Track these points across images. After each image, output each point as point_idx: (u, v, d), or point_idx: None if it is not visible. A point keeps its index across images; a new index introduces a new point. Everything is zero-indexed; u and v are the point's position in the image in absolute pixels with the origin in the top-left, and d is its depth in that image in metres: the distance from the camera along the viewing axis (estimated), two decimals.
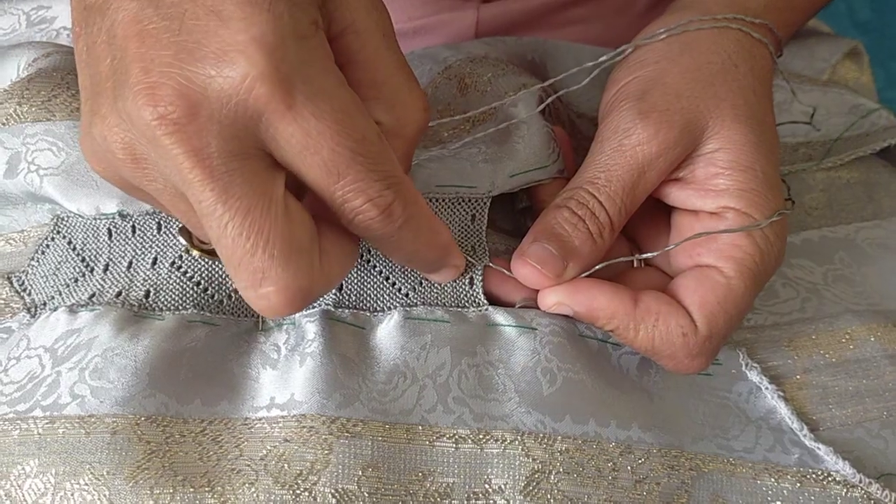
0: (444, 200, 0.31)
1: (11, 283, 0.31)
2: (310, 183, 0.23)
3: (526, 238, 0.30)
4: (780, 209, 0.30)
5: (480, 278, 0.30)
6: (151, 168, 0.23)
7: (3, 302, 0.31)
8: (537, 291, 0.30)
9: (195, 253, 0.27)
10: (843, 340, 0.34)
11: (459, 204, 0.32)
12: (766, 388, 0.31)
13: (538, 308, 0.30)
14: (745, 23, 0.33)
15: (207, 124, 0.21)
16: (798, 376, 0.33)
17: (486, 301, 0.30)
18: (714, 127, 0.30)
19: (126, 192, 0.25)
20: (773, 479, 0.29)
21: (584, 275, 0.30)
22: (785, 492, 0.29)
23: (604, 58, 0.34)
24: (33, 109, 0.31)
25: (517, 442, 0.27)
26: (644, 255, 0.32)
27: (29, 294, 0.31)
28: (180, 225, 0.27)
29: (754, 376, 0.32)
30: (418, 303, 0.30)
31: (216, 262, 0.30)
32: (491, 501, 0.27)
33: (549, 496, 0.27)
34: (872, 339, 0.34)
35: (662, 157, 0.30)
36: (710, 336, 0.29)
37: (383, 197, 0.23)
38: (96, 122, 0.23)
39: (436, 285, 0.30)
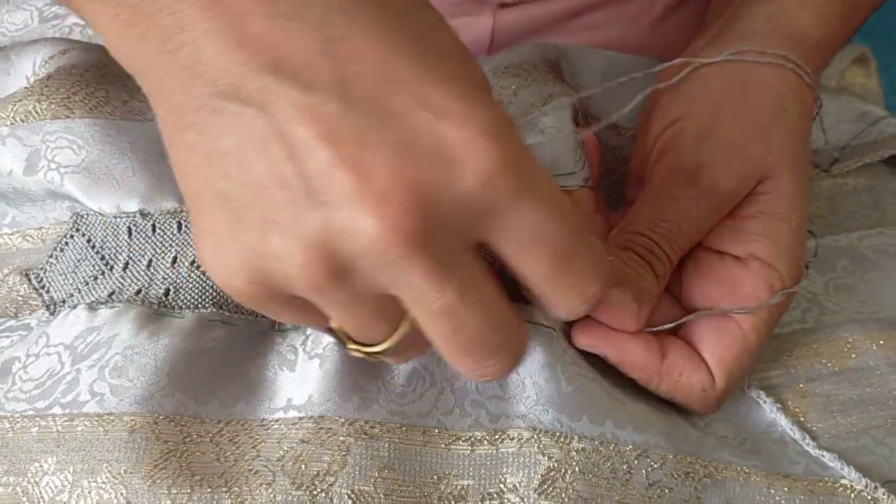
0: None
1: (30, 279, 0.31)
2: (530, 272, 0.22)
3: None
4: (801, 264, 0.31)
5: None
6: (349, 280, 0.20)
7: (21, 299, 0.31)
8: None
9: (355, 352, 0.25)
10: (845, 349, 0.34)
11: None
12: (764, 402, 0.32)
13: None
14: (797, 65, 0.33)
15: (440, 227, 0.19)
16: (801, 385, 0.33)
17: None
18: (768, 176, 0.31)
19: (259, 308, 0.22)
20: (785, 489, 0.30)
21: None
22: (797, 501, 0.30)
23: (637, 74, 0.33)
24: (52, 106, 0.31)
25: (533, 440, 0.28)
26: (679, 322, 0.31)
27: (47, 291, 0.31)
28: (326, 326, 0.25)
29: (752, 392, 0.32)
30: None
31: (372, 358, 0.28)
32: (505, 500, 0.27)
33: (563, 495, 0.27)
34: (874, 347, 0.34)
35: (724, 203, 0.30)
36: (726, 390, 0.30)
37: (594, 287, 0.22)
38: (272, 236, 0.20)
39: None
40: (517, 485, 0.27)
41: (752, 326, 0.30)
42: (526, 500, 0.27)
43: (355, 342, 0.24)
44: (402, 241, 0.19)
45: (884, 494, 0.30)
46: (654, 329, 0.30)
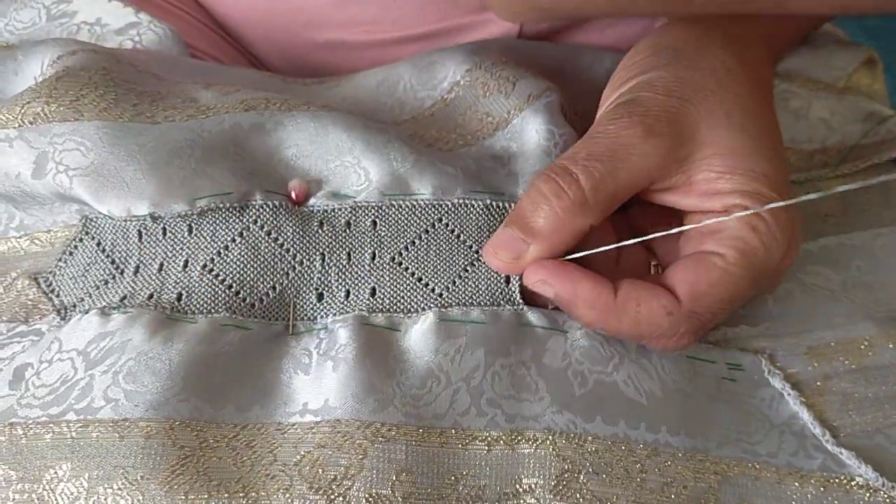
0: (475, 206, 0.32)
1: (39, 283, 0.31)
2: None
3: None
4: (788, 210, 0.30)
5: (518, 277, 0.31)
6: None
7: (31, 303, 0.31)
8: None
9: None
10: (862, 347, 0.34)
11: (492, 208, 0.32)
12: (789, 395, 0.32)
13: None
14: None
15: None
16: (818, 383, 0.33)
17: (521, 300, 0.30)
18: (707, 133, 0.30)
19: None
20: (797, 484, 0.30)
21: (570, 257, 0.30)
22: (809, 496, 0.30)
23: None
24: (61, 109, 0.31)
25: (548, 441, 0.27)
26: (631, 242, 0.30)
27: (57, 295, 0.31)
28: None
29: (777, 383, 0.32)
30: (453, 303, 0.30)
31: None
32: (521, 501, 0.27)
33: (578, 496, 0.27)
34: (891, 345, 0.34)
35: (649, 143, 0.29)
36: (693, 311, 0.29)
37: None
38: None
39: (471, 283, 0.30)
40: (533, 486, 0.27)
41: (736, 260, 0.29)
42: (542, 500, 0.27)
43: None
44: None
45: None
46: (580, 255, 0.29)
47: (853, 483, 0.30)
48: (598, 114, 0.33)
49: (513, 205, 0.32)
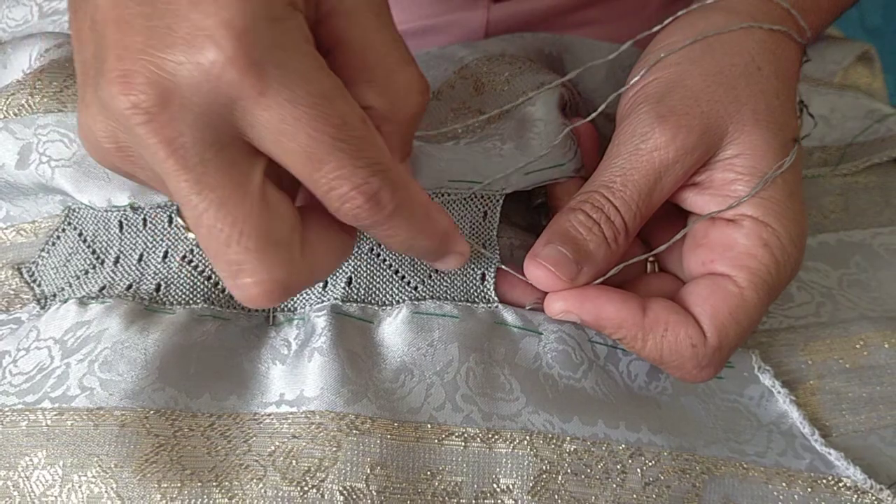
0: (455, 196, 0.31)
1: (21, 273, 0.31)
2: (292, 171, 0.22)
3: (540, 240, 0.29)
4: (799, 220, 0.30)
5: (493, 275, 0.30)
6: (136, 156, 0.23)
7: (13, 292, 0.31)
8: (546, 295, 0.30)
9: (191, 235, 0.26)
10: (858, 346, 0.33)
11: (471, 200, 0.31)
12: (779, 392, 0.31)
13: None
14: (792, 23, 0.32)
15: (180, 113, 0.20)
16: (811, 381, 0.32)
17: (496, 298, 0.30)
18: (734, 132, 0.30)
19: (126, 178, 0.25)
20: (784, 484, 0.29)
21: (597, 281, 0.29)
22: (796, 497, 0.29)
23: (626, 44, 0.33)
24: (45, 100, 0.31)
25: (526, 442, 0.27)
26: (654, 252, 0.31)
27: (39, 285, 0.31)
28: (176, 206, 0.26)
29: (766, 380, 0.31)
30: (427, 296, 0.30)
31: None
32: (499, 501, 0.27)
33: (556, 497, 0.27)
34: (887, 345, 0.33)
35: (680, 162, 0.29)
36: (719, 347, 0.28)
37: (369, 184, 0.22)
38: (82, 110, 0.23)
39: (446, 279, 0.30)
40: (511, 486, 0.27)
41: (750, 284, 0.28)
42: (520, 501, 0.27)
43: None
44: (140, 120, 0.20)
45: (889, 496, 0.29)
46: (607, 276, 0.29)
47: (841, 484, 0.30)
48: (621, 107, 0.32)
49: (500, 196, 0.31)
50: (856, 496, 0.29)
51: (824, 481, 0.30)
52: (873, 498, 0.29)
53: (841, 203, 0.40)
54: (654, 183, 0.29)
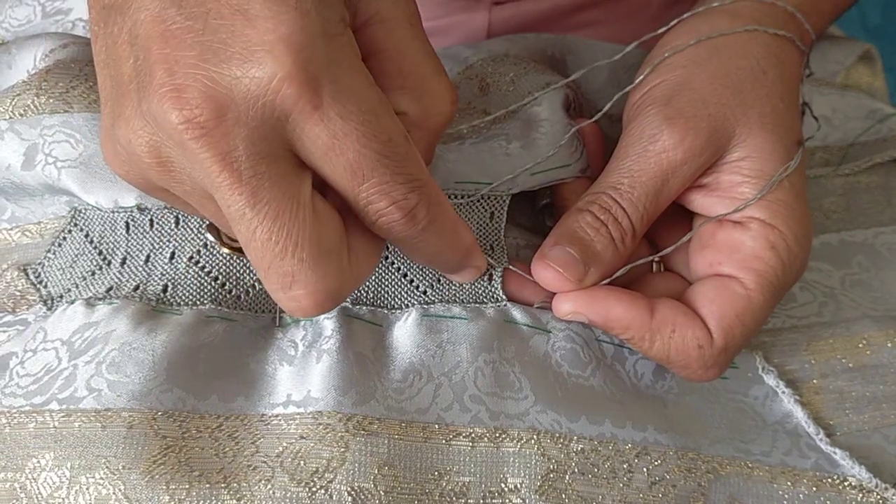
0: (462, 197, 0.31)
1: (27, 274, 0.31)
2: (334, 184, 0.22)
3: (547, 240, 0.30)
4: (805, 222, 0.30)
5: (500, 274, 0.30)
6: (179, 170, 0.22)
7: (19, 293, 0.31)
8: (554, 294, 0.30)
9: (224, 251, 0.27)
10: (861, 345, 0.33)
11: (478, 201, 0.31)
12: (783, 393, 0.31)
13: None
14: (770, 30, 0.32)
15: (234, 127, 0.20)
16: (815, 380, 0.32)
17: (504, 297, 0.30)
18: (741, 135, 0.30)
19: (149, 195, 0.25)
20: (789, 483, 0.29)
21: (604, 281, 0.30)
22: (801, 496, 0.29)
23: (632, 45, 0.33)
24: (51, 101, 0.31)
25: (533, 441, 0.27)
26: (661, 253, 0.31)
27: (45, 286, 0.31)
28: (208, 222, 0.27)
29: (771, 380, 0.32)
30: (436, 300, 0.30)
31: (242, 260, 0.30)
32: (507, 500, 0.27)
33: (563, 496, 0.27)
34: (889, 344, 0.33)
35: (687, 164, 0.29)
36: (725, 348, 0.28)
37: (408, 200, 0.23)
38: (120, 124, 0.22)
39: (454, 283, 0.30)
40: (518, 486, 0.27)
41: (757, 286, 0.29)
42: (527, 501, 0.27)
43: (226, 240, 0.26)
44: (194, 135, 0.20)
45: (894, 495, 0.30)
46: (613, 277, 0.29)
47: (846, 483, 0.30)
48: (628, 108, 0.32)
49: (507, 197, 0.31)
50: (861, 495, 0.29)
51: (829, 480, 0.30)
52: (878, 497, 0.29)
53: (843, 203, 0.40)
54: (662, 185, 0.29)
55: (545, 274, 0.29)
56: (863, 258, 0.38)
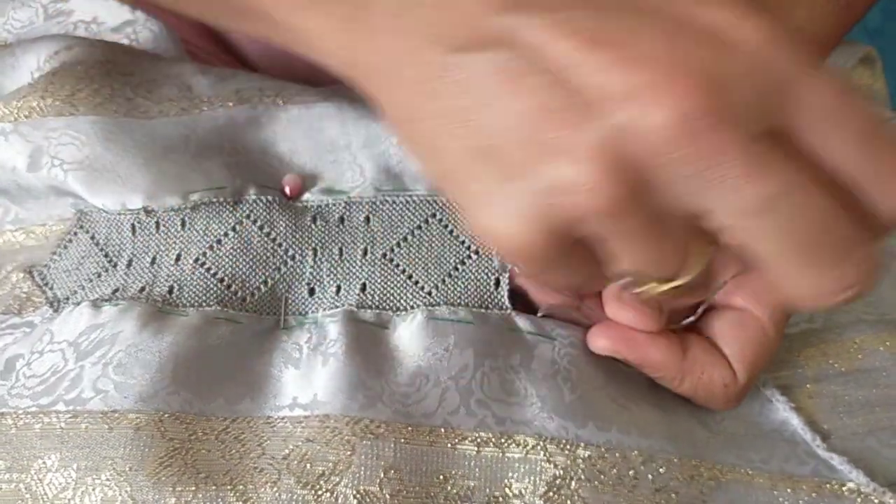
0: None
1: (33, 276, 0.31)
2: (836, 160, 0.19)
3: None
4: None
5: (507, 281, 0.30)
6: (647, 195, 0.19)
7: (24, 295, 0.31)
8: (559, 300, 0.30)
9: (652, 291, 0.24)
10: (852, 350, 0.34)
11: None
12: (778, 401, 0.32)
13: (559, 318, 0.30)
14: None
15: (735, 109, 0.18)
16: (808, 385, 0.33)
17: (509, 304, 0.30)
18: None
19: (547, 266, 0.21)
20: (789, 490, 0.30)
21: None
22: (801, 502, 0.29)
23: None
24: (56, 103, 0.31)
25: (539, 447, 0.27)
26: (711, 295, 0.30)
27: (51, 288, 0.31)
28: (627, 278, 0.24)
29: (766, 391, 0.32)
30: (441, 301, 0.30)
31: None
32: None
33: (569, 503, 0.27)
34: (882, 348, 0.34)
35: None
36: (747, 385, 0.29)
37: None
38: (552, 167, 0.19)
39: (460, 284, 0.30)
40: (523, 491, 0.27)
41: (771, 321, 0.29)
42: None
43: (651, 280, 0.23)
44: (699, 126, 0.17)
45: (891, 498, 0.30)
46: (675, 327, 0.29)
47: (845, 488, 0.30)
48: None
49: None
50: (860, 499, 0.30)
51: (829, 486, 0.30)
52: (878, 501, 0.30)
53: None
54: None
55: (626, 315, 0.28)
56: None
